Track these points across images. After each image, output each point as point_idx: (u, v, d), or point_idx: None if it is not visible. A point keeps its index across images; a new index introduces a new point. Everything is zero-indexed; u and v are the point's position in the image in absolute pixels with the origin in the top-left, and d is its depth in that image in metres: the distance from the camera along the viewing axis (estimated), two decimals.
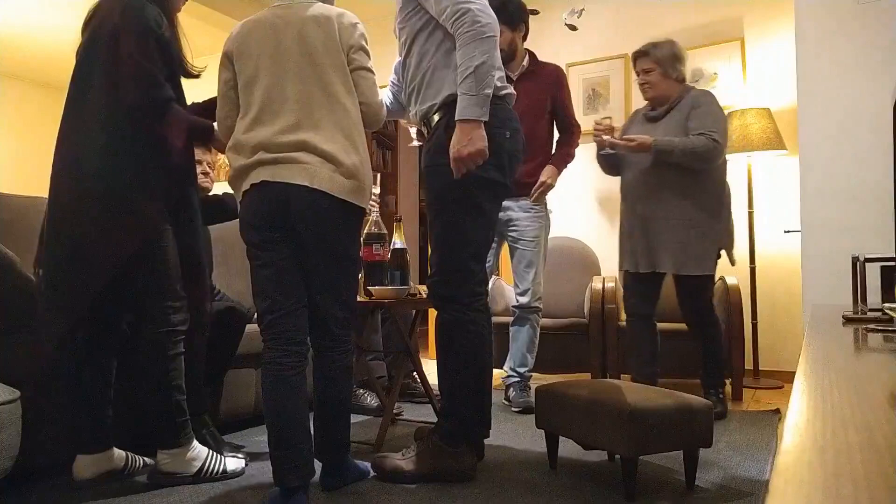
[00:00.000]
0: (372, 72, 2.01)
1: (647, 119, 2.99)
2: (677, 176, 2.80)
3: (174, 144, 2.02)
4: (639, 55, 2.97)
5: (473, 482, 2.05)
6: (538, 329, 3.28)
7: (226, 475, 2.12)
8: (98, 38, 2.01)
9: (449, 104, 2.01)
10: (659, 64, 2.91)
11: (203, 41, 5.38)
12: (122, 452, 2.16)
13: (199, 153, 2.74)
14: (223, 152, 2.12)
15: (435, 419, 2.92)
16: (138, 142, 1.98)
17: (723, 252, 2.89)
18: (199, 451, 2.10)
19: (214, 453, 2.15)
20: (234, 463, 2.17)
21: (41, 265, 2.03)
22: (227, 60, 1.99)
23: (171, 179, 2.04)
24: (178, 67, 2.10)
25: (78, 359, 2.06)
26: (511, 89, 2.12)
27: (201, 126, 2.11)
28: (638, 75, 2.98)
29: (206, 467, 2.09)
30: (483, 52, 1.93)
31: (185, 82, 2.17)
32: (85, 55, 2.03)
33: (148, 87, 1.96)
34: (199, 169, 2.75)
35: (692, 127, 2.79)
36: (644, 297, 2.97)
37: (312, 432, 1.93)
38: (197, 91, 2.37)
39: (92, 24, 2.06)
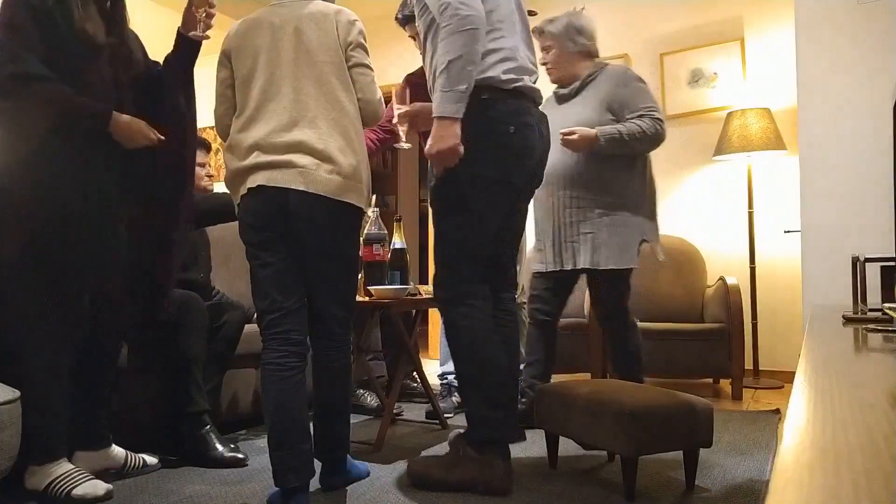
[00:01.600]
0: (371, 69, 1.99)
1: (558, 98, 2.73)
2: (603, 166, 2.56)
3: (35, 125, 1.85)
4: (536, 34, 2.66)
5: None
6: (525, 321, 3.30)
7: (70, 499, 1.89)
8: None
9: None
10: (555, 40, 2.65)
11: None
12: (122, 450, 2.16)
13: (200, 155, 2.74)
14: (127, 145, 1.98)
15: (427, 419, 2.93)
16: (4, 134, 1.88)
17: (646, 246, 2.64)
18: (57, 468, 1.94)
19: (74, 474, 1.94)
20: (85, 488, 1.91)
21: None
22: (225, 59, 1.99)
23: (45, 168, 1.88)
24: (76, 41, 1.91)
25: (77, 358, 2.05)
26: (527, 81, 2.03)
27: (87, 109, 1.90)
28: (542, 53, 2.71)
29: (52, 485, 1.90)
30: (460, 46, 1.84)
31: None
32: None
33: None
34: (203, 171, 2.76)
35: (621, 107, 2.56)
36: (554, 295, 2.72)
37: (312, 432, 1.93)
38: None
39: None
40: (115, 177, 2.02)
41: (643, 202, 2.63)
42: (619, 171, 2.59)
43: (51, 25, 1.86)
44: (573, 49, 2.66)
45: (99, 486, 1.93)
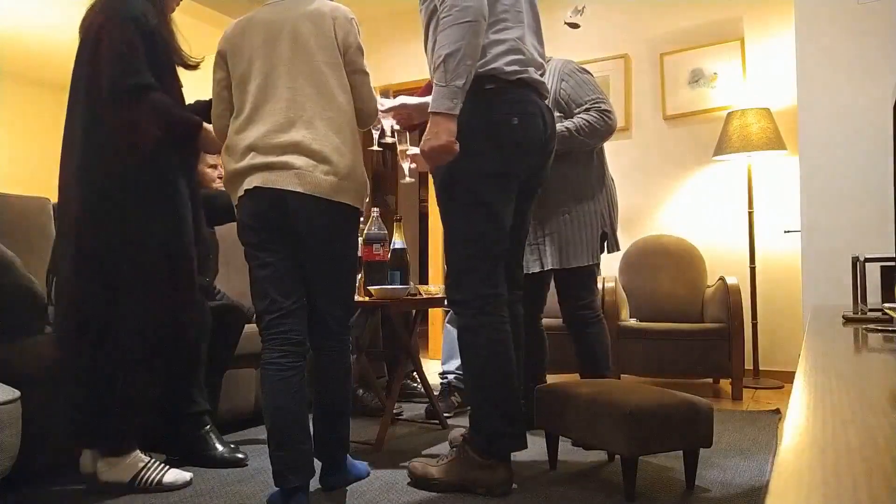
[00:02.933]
0: (367, 73, 2.00)
1: None
2: (558, 164, 2.51)
3: (149, 134, 1.97)
4: None
5: None
6: None
7: (162, 486, 2.01)
8: (85, 38, 2.03)
9: None
10: None
11: (201, 40, 5.39)
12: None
13: (212, 157, 2.74)
14: (211, 153, 2.12)
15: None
16: (112, 143, 1.97)
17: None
18: (137, 459, 2.03)
19: (156, 463, 2.05)
20: (173, 475, 2.04)
21: (55, 275, 2.07)
22: (222, 59, 1.98)
23: (147, 175, 1.99)
24: (167, 59, 2.06)
25: (84, 358, 2.06)
26: (533, 73, 1.98)
27: (186, 121, 2.06)
28: None
29: (140, 476, 2.01)
30: (455, 39, 1.78)
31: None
32: (76, 57, 2.06)
33: (121, 71, 1.94)
34: (215, 173, 2.76)
35: (568, 103, 2.56)
36: (531, 301, 2.59)
37: (312, 432, 1.93)
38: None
39: (82, 25, 2.07)
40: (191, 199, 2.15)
41: (601, 194, 2.64)
42: (576, 166, 2.60)
43: (153, 44, 2.02)
44: None
45: (184, 474, 2.08)
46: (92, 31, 2.02)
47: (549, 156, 2.09)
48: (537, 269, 2.60)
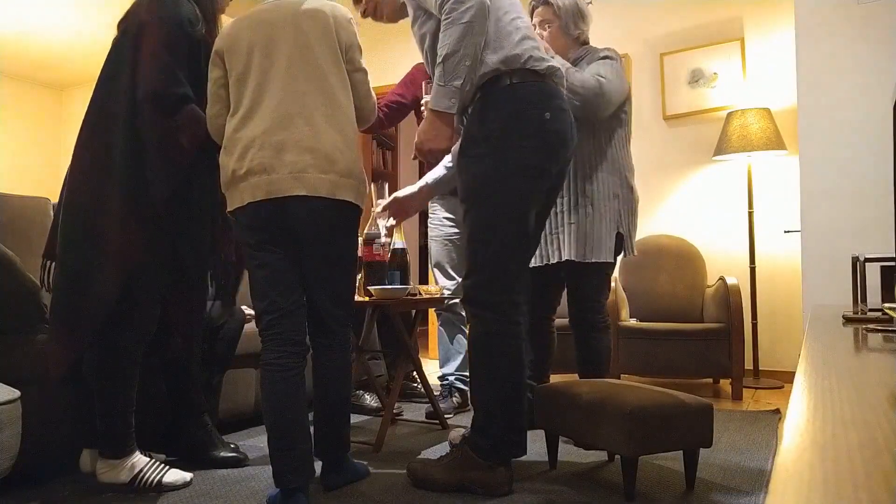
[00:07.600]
0: (366, 72, 2.01)
1: None
2: (579, 152, 2.46)
3: (181, 145, 1.95)
4: (538, 4, 2.57)
5: None
6: None
7: (161, 487, 2.00)
8: (128, 33, 2.00)
9: (476, 90, 1.92)
10: (559, 17, 2.53)
11: None
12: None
13: None
14: None
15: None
16: (153, 151, 1.94)
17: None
18: (137, 460, 2.03)
19: (156, 464, 2.05)
20: (173, 475, 2.04)
21: (52, 260, 2.03)
22: (218, 58, 1.96)
23: (175, 184, 1.98)
24: (205, 70, 2.03)
25: (83, 357, 2.06)
26: (555, 62, 1.94)
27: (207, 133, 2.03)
28: (535, 28, 2.54)
29: (140, 476, 2.01)
30: (455, 40, 1.80)
31: None
32: (114, 50, 2.02)
33: (162, 79, 1.92)
34: None
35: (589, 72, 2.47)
36: (541, 295, 2.61)
37: (312, 432, 1.93)
38: None
39: (125, 20, 2.04)
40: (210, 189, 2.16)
41: (623, 195, 2.53)
42: (599, 158, 2.51)
43: (196, 53, 2.02)
44: (573, 33, 2.56)
45: (185, 474, 2.07)
46: (134, 27, 1.97)
47: (571, 153, 2.04)
48: (556, 260, 2.51)
